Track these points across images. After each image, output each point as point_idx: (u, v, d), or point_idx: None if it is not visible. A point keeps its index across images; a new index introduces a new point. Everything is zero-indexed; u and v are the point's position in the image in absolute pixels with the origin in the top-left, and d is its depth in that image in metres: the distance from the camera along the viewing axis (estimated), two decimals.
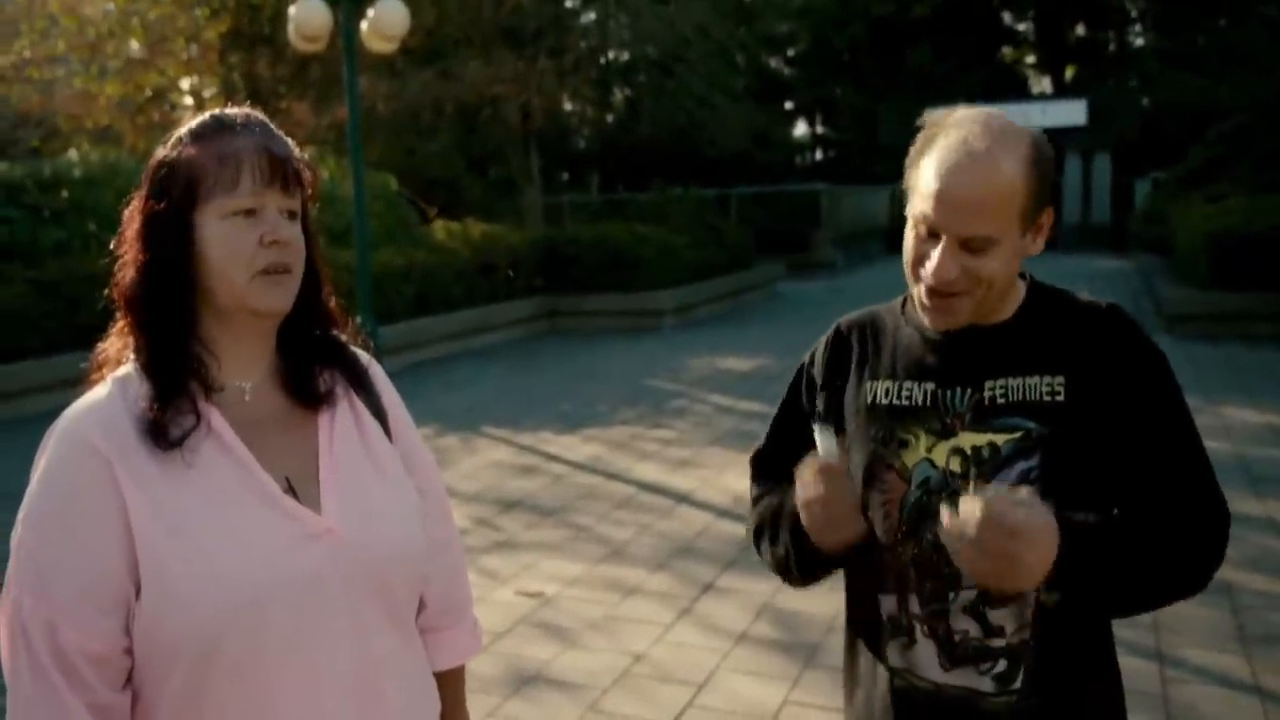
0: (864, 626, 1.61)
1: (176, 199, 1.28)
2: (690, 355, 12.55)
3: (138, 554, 1.22)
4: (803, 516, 1.50)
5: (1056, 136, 28.88)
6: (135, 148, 16.69)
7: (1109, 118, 28.56)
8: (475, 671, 3.96)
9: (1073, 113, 28.85)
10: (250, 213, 1.29)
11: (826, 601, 4.63)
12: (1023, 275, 1.59)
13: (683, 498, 6.47)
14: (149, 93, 18.35)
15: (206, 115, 1.34)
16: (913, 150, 1.50)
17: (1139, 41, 36.02)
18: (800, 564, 1.61)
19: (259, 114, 1.37)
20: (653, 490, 6.66)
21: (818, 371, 1.69)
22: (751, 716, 3.67)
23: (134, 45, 17.83)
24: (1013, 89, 34.05)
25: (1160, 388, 1.49)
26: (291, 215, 1.33)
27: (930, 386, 1.54)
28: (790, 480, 1.57)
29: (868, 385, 1.60)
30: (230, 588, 1.22)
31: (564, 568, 5.27)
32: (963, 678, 1.49)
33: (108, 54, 17.42)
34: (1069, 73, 36.20)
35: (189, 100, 19.20)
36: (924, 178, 1.45)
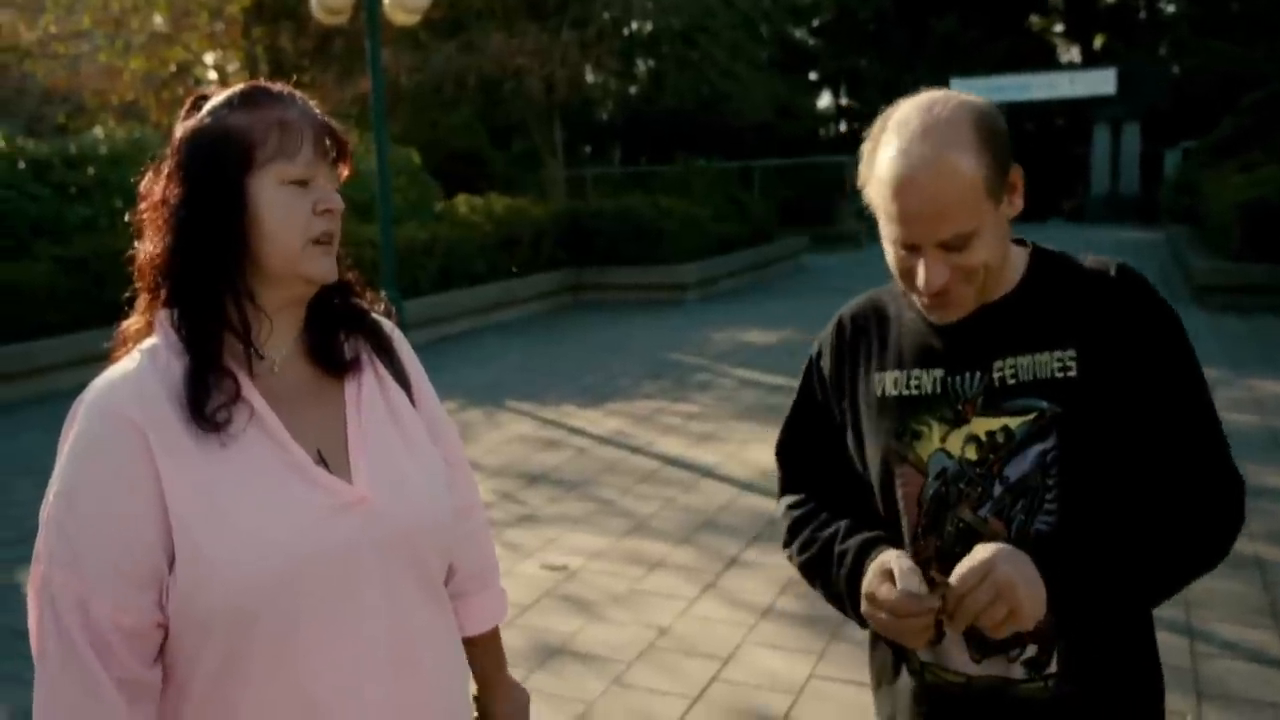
0: None
1: (232, 164, 1.27)
2: (714, 329, 12.52)
3: (172, 526, 1.20)
4: (870, 620, 1.46)
5: (1085, 107, 28.71)
6: (160, 123, 16.74)
7: (1139, 87, 28.17)
8: None
9: (1102, 82, 28.49)
10: (303, 182, 1.30)
11: None
12: (1024, 242, 1.54)
13: (707, 472, 6.46)
14: (173, 68, 18.38)
15: (244, 85, 1.33)
16: (861, 165, 1.46)
17: (1170, 9, 35.44)
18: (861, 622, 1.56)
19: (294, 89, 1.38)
20: (676, 464, 6.66)
21: (827, 365, 1.65)
22: (777, 690, 3.68)
23: (158, 20, 17.82)
24: (1040, 58, 33.59)
25: (1174, 353, 1.44)
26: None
27: (939, 373, 1.50)
28: (825, 480, 1.65)
29: (876, 377, 1.57)
30: (265, 560, 1.22)
31: (588, 541, 5.28)
32: (993, 667, 1.47)
33: (132, 29, 17.42)
34: (1098, 41, 35.69)
35: (213, 74, 19.21)
36: (879, 198, 1.42)
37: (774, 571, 4.74)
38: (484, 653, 1.59)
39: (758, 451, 6.83)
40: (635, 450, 7.05)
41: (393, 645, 1.32)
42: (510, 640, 4.07)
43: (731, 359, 10.42)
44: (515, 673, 4.05)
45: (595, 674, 3.85)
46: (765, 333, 12.00)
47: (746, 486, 6.11)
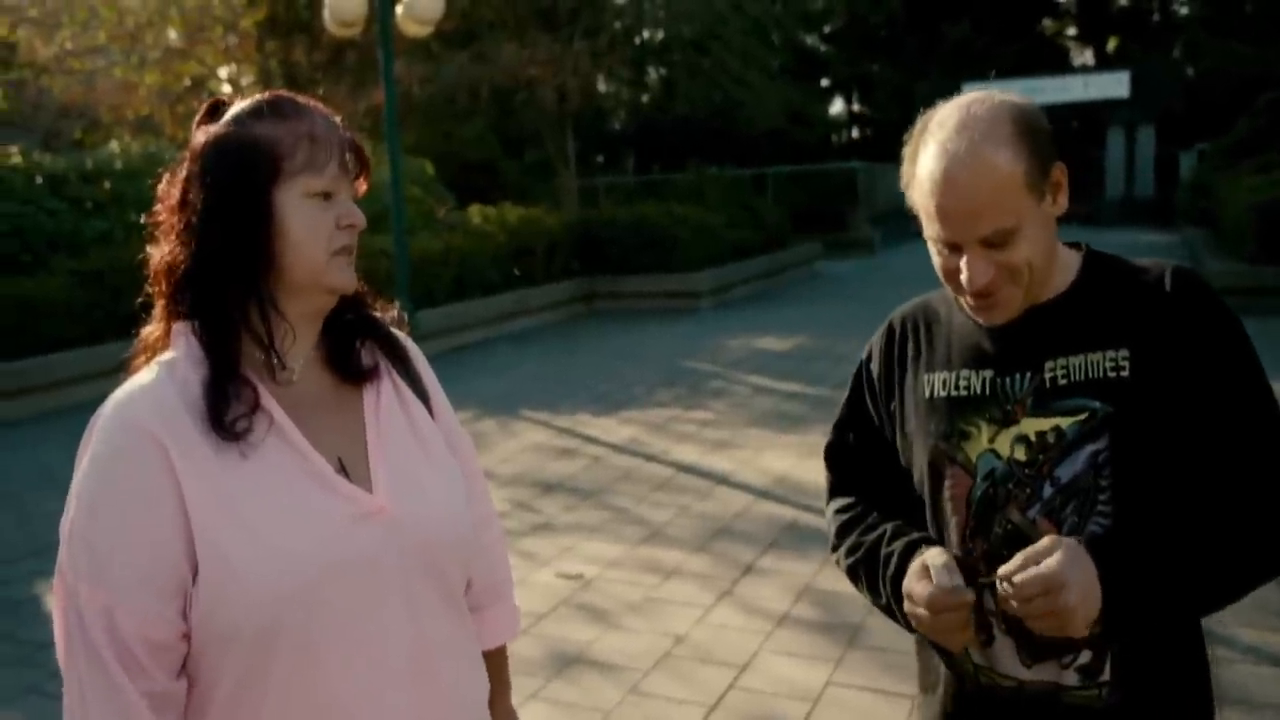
0: None
1: (260, 173, 1.27)
2: (728, 336, 12.51)
3: (194, 537, 1.20)
4: (910, 620, 1.45)
5: (1099, 110, 28.65)
6: (175, 137, 16.86)
7: (1153, 89, 28.08)
8: (517, 653, 3.98)
9: (1115, 85, 28.42)
10: (327, 195, 1.30)
11: None
12: (1078, 245, 1.53)
13: (722, 479, 6.45)
14: (188, 82, 18.52)
15: (270, 95, 1.33)
16: (903, 168, 1.46)
17: (1183, 10, 35.32)
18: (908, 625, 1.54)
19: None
20: (691, 472, 6.66)
21: (876, 368, 1.65)
22: (794, 698, 3.67)
23: (172, 35, 17.99)
24: (1053, 62, 33.52)
25: (1232, 355, 1.41)
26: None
27: (988, 374, 1.48)
28: (874, 483, 1.64)
29: (925, 378, 1.55)
30: (287, 570, 1.21)
31: (603, 550, 5.28)
32: (1045, 672, 1.44)
33: (147, 44, 17.58)
34: (1111, 44, 35.60)
35: (227, 88, 19.34)
36: (920, 198, 1.42)
37: (790, 578, 4.73)
38: (490, 668, 1.56)
39: (773, 458, 6.82)
40: (650, 458, 7.05)
41: (413, 656, 1.32)
42: (527, 649, 4.08)
43: (745, 366, 10.40)
44: (532, 682, 4.04)
45: (612, 683, 3.85)
46: (779, 339, 11.96)
47: (762, 493, 6.10)
